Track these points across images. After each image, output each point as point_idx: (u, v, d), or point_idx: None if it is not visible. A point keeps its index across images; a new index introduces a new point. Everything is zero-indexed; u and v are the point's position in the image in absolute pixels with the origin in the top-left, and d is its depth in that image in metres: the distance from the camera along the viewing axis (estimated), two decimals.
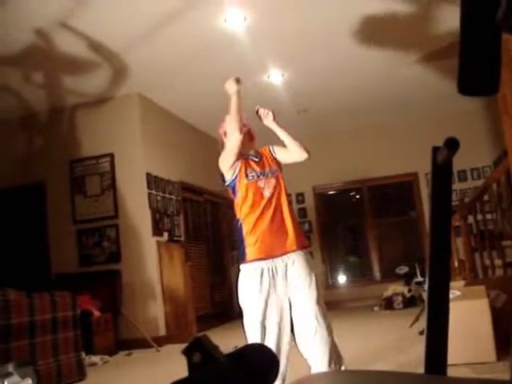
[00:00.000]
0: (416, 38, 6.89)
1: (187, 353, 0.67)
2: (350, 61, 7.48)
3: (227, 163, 3.33)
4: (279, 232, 3.19)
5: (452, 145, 0.89)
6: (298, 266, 3.16)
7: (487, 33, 0.97)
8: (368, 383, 0.67)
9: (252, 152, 3.50)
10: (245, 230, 3.22)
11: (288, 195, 3.42)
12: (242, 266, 3.23)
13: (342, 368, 3.03)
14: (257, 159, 3.44)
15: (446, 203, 1.01)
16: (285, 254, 3.16)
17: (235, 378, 0.66)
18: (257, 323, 3.07)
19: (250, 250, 3.16)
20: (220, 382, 0.64)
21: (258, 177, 3.31)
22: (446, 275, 1.00)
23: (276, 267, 3.13)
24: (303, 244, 3.28)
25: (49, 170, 8.01)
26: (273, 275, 3.11)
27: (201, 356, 0.67)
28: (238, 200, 3.32)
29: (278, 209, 3.26)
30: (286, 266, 3.14)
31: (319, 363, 2.95)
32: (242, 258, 3.23)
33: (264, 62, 7.20)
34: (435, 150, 0.96)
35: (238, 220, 3.30)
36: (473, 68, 1.00)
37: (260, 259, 3.13)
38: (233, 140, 3.30)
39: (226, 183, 3.37)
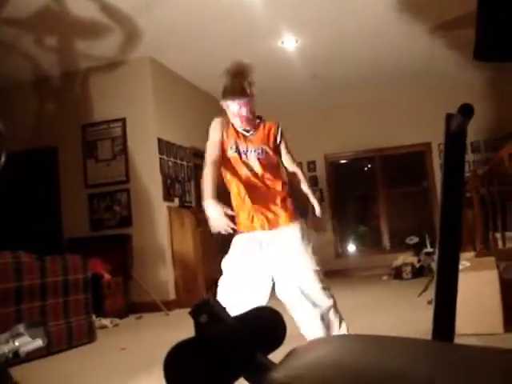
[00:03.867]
0: (432, 6, 6.77)
1: (194, 314, 0.68)
2: (365, 29, 7.37)
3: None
4: None
5: (467, 111, 0.87)
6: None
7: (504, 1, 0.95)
8: (371, 348, 0.67)
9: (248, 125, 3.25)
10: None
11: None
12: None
13: (343, 327, 3.03)
14: (247, 134, 3.24)
15: (459, 171, 1.00)
16: None
17: (242, 340, 0.66)
18: None
19: None
20: (226, 343, 0.65)
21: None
22: (456, 244, 1.00)
23: None
24: None
25: (61, 134, 8.02)
26: None
27: (208, 317, 0.68)
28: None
29: None
30: None
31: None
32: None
33: (278, 27, 7.11)
34: (449, 116, 0.94)
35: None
36: (490, 34, 0.98)
37: None
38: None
39: None
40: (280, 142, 3.27)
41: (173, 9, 6.36)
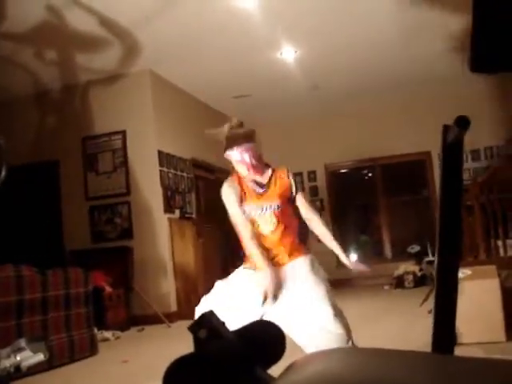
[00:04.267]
0: (430, 16, 6.80)
1: (194, 329, 0.68)
2: (364, 39, 7.40)
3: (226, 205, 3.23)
4: None
5: (462, 123, 0.88)
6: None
7: (502, 7, 0.95)
8: (371, 361, 0.67)
9: (258, 176, 3.17)
10: None
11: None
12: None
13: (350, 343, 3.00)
14: (261, 189, 3.16)
15: (457, 182, 1.00)
16: None
17: (241, 354, 0.66)
18: None
19: None
20: (226, 358, 0.65)
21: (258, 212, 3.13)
22: (455, 253, 1.00)
23: None
24: None
25: (62, 147, 8.04)
26: None
27: (207, 332, 0.68)
28: None
29: None
30: None
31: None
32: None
33: (277, 38, 7.14)
34: (446, 128, 0.95)
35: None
36: (487, 44, 0.99)
37: None
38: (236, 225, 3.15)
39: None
40: (296, 193, 3.18)
41: (171, 22, 6.39)
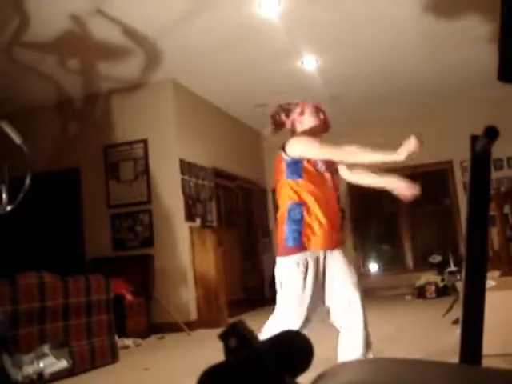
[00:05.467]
0: (451, 25, 6.77)
1: (224, 337, 0.68)
2: (386, 48, 7.39)
3: (308, 151, 3.08)
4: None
5: (491, 134, 0.88)
6: (339, 259, 3.16)
7: None
8: (401, 371, 0.67)
9: None
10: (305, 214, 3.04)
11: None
12: (295, 255, 3.01)
13: (370, 355, 3.02)
14: None
15: (484, 192, 1.00)
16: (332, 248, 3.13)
17: (270, 364, 0.67)
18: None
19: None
20: (255, 367, 0.65)
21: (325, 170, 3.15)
22: (482, 264, 0.99)
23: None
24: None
25: (83, 155, 8.12)
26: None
27: (237, 341, 0.68)
28: (299, 182, 3.07)
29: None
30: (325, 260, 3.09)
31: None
32: (295, 244, 3.01)
33: (298, 47, 7.15)
34: (474, 138, 0.95)
35: (291, 203, 3.07)
36: None
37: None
38: (325, 153, 3.09)
39: (289, 158, 3.09)
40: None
41: (194, 31, 6.42)
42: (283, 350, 0.73)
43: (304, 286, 2.97)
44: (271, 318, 3.08)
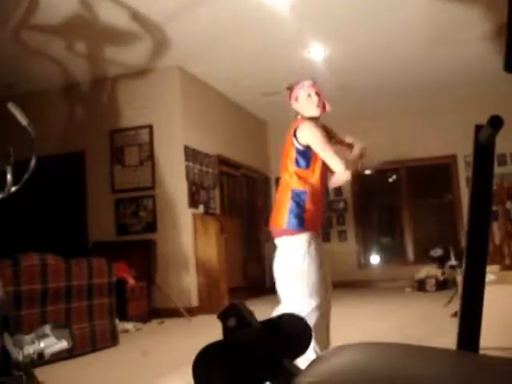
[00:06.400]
0: (459, 19, 6.73)
1: (223, 317, 0.69)
2: (393, 39, 7.36)
3: (313, 144, 3.13)
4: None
5: (496, 123, 0.88)
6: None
7: None
8: (399, 355, 0.67)
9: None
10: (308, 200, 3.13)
11: None
12: (302, 234, 3.08)
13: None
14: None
15: (487, 183, 1.00)
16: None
17: (268, 344, 0.67)
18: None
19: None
20: (253, 347, 0.66)
21: None
22: (482, 257, 1.00)
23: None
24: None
25: (89, 140, 8.13)
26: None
27: (236, 321, 0.69)
28: (307, 169, 3.17)
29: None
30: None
31: None
32: (299, 226, 3.08)
33: (305, 37, 7.12)
34: (478, 128, 0.95)
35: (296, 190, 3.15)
36: None
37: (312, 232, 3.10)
38: (329, 158, 3.13)
39: (300, 146, 3.15)
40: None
41: (202, 18, 6.41)
42: (281, 333, 0.74)
43: (321, 265, 3.05)
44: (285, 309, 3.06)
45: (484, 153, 0.96)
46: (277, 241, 3.18)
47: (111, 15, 6.19)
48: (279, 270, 3.15)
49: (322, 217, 3.28)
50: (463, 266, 0.99)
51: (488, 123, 0.89)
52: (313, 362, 0.69)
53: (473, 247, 0.98)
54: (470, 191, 1.02)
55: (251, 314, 0.72)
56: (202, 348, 0.64)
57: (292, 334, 0.77)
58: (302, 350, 0.79)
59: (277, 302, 3.18)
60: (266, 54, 7.57)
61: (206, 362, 0.63)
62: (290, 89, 3.39)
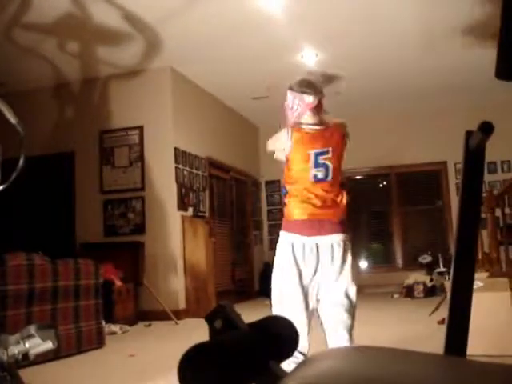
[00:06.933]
0: (454, 23, 6.77)
1: (210, 319, 0.68)
2: (385, 46, 7.39)
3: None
4: None
5: (486, 129, 0.88)
6: None
7: None
8: (387, 359, 0.67)
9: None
10: None
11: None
12: None
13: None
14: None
15: (477, 189, 1.00)
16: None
17: (256, 346, 0.67)
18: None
19: None
20: (239, 348, 0.65)
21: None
22: (471, 262, 1.00)
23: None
24: None
25: (79, 140, 8.10)
26: None
27: (223, 322, 0.68)
28: None
29: None
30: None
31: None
32: None
33: (298, 41, 7.14)
34: (468, 133, 0.95)
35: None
36: None
37: None
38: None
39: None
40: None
41: (194, 20, 6.41)
42: (268, 335, 0.73)
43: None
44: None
45: (474, 159, 0.96)
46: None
47: (104, 15, 6.17)
48: None
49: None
50: (451, 272, 0.98)
51: (479, 129, 0.89)
52: (299, 365, 0.69)
53: (461, 253, 0.98)
54: (459, 196, 1.02)
55: (238, 316, 0.71)
56: (187, 349, 0.63)
57: (279, 336, 0.76)
58: (289, 352, 0.78)
59: (265, 305, 3.18)
60: (258, 57, 7.58)
61: (191, 363, 0.62)
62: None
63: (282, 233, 3.06)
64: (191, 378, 0.61)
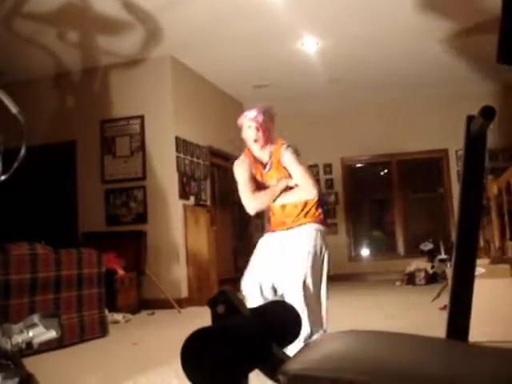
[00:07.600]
0: (452, 13, 6.73)
1: (212, 304, 0.69)
2: (386, 34, 7.35)
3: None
4: None
5: (488, 113, 0.88)
6: None
7: None
8: (388, 342, 0.67)
9: (264, 153, 3.72)
10: None
11: None
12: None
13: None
14: (266, 169, 3.71)
15: (479, 175, 1.00)
16: None
17: (258, 331, 0.67)
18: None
19: None
20: (243, 333, 0.65)
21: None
22: (473, 249, 1.00)
23: None
24: None
25: (80, 129, 8.09)
26: None
27: (225, 307, 0.69)
28: None
29: None
30: None
31: None
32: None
33: (299, 29, 7.11)
34: (470, 118, 0.95)
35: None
36: None
37: None
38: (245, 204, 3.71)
39: None
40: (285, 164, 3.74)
41: (194, 8, 6.38)
42: (271, 320, 0.74)
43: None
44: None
45: (475, 144, 0.95)
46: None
47: (104, 4, 6.14)
48: None
49: None
50: (453, 258, 0.99)
51: (480, 113, 0.89)
52: (302, 349, 0.69)
53: (463, 240, 0.98)
54: (460, 182, 1.02)
55: (241, 301, 0.71)
56: (190, 333, 0.63)
57: (282, 321, 0.77)
58: (292, 337, 0.79)
59: None
60: (258, 45, 7.55)
61: (194, 348, 0.62)
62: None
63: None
64: (194, 363, 0.61)
